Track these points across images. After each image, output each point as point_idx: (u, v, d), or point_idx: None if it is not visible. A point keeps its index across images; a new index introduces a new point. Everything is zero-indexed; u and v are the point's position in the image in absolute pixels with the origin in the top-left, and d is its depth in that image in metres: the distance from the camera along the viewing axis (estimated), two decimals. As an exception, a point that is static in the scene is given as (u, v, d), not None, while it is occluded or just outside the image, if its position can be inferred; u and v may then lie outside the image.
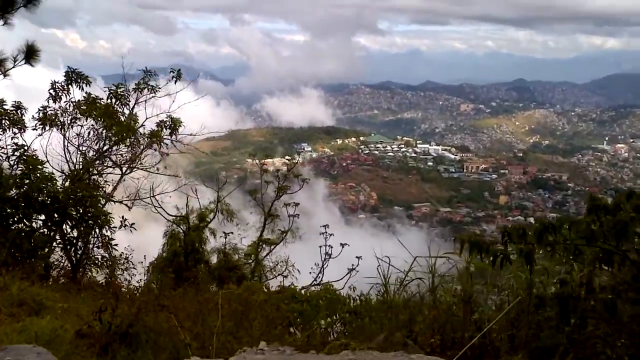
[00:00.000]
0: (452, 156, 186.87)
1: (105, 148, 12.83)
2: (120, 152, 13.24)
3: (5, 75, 13.28)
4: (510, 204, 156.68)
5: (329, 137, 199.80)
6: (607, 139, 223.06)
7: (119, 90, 13.18)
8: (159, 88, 13.77)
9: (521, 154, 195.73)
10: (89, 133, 12.81)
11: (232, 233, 18.28)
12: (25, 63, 13.26)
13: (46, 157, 12.49)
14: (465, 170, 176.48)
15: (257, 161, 18.94)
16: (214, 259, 18.55)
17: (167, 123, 14.11)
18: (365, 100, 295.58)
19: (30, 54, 13.31)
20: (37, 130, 12.65)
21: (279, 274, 19.01)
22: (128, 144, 13.28)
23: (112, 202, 12.96)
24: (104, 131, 12.75)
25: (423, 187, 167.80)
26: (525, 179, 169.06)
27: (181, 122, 14.29)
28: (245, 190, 18.75)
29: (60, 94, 13.10)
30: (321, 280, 18.33)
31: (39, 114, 12.70)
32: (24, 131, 12.54)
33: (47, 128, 12.61)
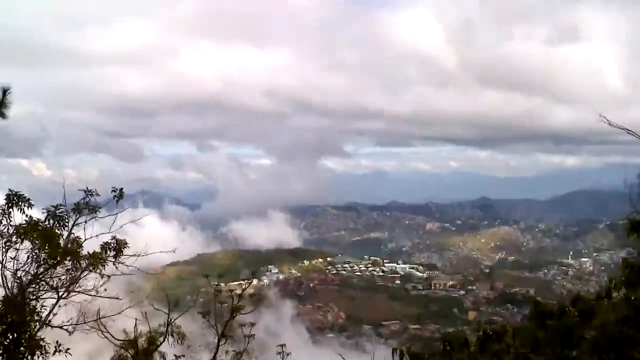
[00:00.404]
0: (420, 274, 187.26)
1: (40, 271, 12.44)
2: (57, 276, 12.84)
3: None
4: (480, 319, 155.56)
5: (296, 259, 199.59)
6: (571, 253, 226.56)
7: (57, 211, 12.96)
8: (99, 209, 13.55)
9: (488, 270, 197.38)
10: (28, 257, 12.47)
11: (183, 356, 17.75)
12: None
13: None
14: (433, 288, 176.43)
15: (212, 283, 18.41)
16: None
17: (112, 245, 13.82)
18: (331, 221, 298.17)
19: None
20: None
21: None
22: (66, 267, 12.93)
23: (50, 328, 12.46)
24: (41, 254, 12.44)
25: (392, 305, 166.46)
26: (493, 294, 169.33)
27: (126, 243, 14.03)
28: (197, 312, 18.24)
29: (0, 218, 12.88)
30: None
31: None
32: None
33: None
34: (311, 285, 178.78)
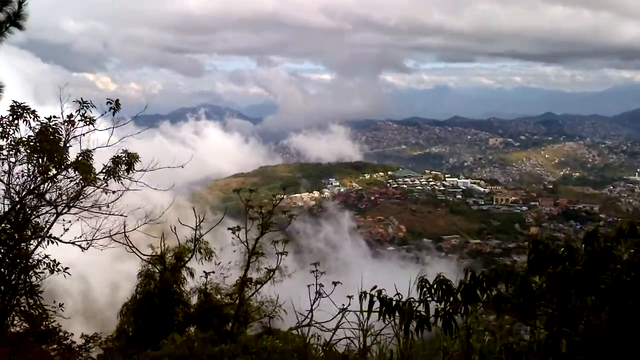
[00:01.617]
0: (481, 189, 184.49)
1: (34, 185, 11.68)
2: (55, 190, 12.09)
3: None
4: (541, 236, 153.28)
5: (357, 172, 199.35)
6: (638, 170, 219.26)
7: (50, 122, 12.09)
8: (94, 120, 12.56)
9: (551, 186, 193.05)
10: (28, 170, 11.74)
11: (213, 272, 17.11)
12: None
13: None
14: (494, 203, 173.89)
15: (243, 197, 17.47)
16: (194, 300, 17.39)
17: (123, 158, 12.93)
18: (392, 135, 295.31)
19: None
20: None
21: (265, 315, 17.79)
22: (72, 180, 12.17)
23: (55, 244, 11.79)
24: (35, 167, 11.67)
25: (452, 220, 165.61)
26: (556, 210, 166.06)
27: (137, 157, 13.11)
28: (227, 228, 17.39)
29: (7, 129, 12.12)
30: (310, 321, 17.08)
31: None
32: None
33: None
34: (372, 198, 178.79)
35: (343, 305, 15.63)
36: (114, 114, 12.68)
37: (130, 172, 13.00)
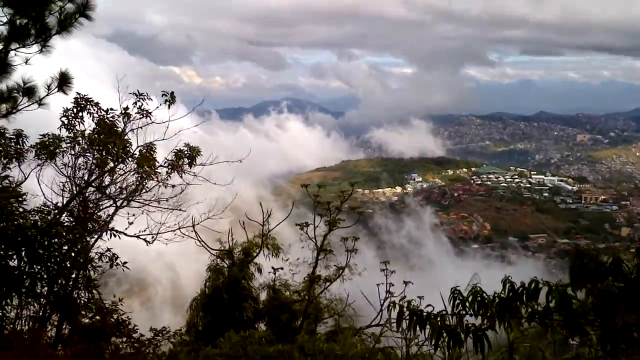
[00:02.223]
0: (569, 187, 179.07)
1: (93, 178, 11.63)
2: (120, 184, 12.03)
3: (40, 105, 12.62)
4: (633, 236, 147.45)
5: (440, 168, 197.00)
6: None
7: (107, 115, 12.02)
8: (150, 113, 12.41)
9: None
10: (86, 163, 11.71)
11: (281, 269, 16.88)
12: (58, 91, 12.57)
13: (42, 191, 11.50)
14: (583, 201, 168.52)
15: (310, 192, 17.14)
16: (263, 296, 17.22)
17: (185, 152, 12.77)
18: (476, 131, 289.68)
19: (64, 82, 12.60)
20: (35, 161, 11.69)
21: (334, 313, 17.45)
22: (120, 174, 12.07)
23: (118, 237, 11.73)
24: (95, 160, 11.61)
25: (539, 218, 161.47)
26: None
27: (199, 151, 12.93)
28: (295, 223, 17.12)
29: (72, 121, 12.16)
30: (380, 320, 16.65)
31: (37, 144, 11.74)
32: (22, 162, 11.58)
33: (45, 158, 11.60)
34: (455, 194, 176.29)
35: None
36: (169, 107, 12.50)
37: (193, 165, 12.84)
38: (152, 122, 12.45)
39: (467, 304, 4.99)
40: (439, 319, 4.95)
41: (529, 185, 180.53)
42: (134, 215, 12.44)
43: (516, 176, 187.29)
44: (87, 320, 11.01)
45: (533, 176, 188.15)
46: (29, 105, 12.47)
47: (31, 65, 12.37)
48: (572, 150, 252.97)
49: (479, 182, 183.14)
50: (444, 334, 4.85)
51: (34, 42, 12.03)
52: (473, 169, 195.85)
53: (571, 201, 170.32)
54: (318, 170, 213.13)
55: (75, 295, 10.20)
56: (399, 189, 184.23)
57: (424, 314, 5.03)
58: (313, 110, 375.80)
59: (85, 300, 10.40)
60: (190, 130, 13.11)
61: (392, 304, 5.34)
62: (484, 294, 4.94)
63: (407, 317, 5.08)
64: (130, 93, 12.12)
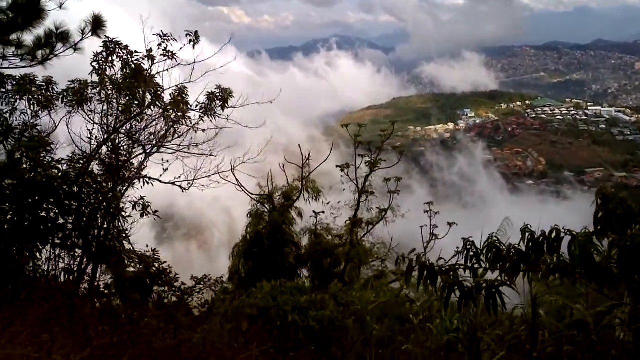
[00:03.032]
0: (627, 118, 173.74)
1: (120, 124, 11.38)
2: (150, 130, 11.78)
3: (75, 50, 12.44)
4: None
5: (493, 102, 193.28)
6: None
7: (132, 57, 11.69)
8: (175, 54, 12.02)
9: None
10: (112, 109, 11.44)
11: (323, 212, 16.62)
12: (92, 35, 12.36)
13: (72, 139, 11.34)
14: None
15: (351, 132, 16.67)
16: (305, 241, 17.03)
17: (217, 94, 12.41)
18: (530, 62, 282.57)
19: (97, 26, 12.37)
20: (65, 108, 11.49)
21: (377, 257, 17.22)
22: (149, 120, 11.79)
23: (151, 185, 11.54)
24: (121, 105, 11.34)
25: (595, 151, 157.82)
26: None
27: (231, 93, 12.54)
28: (336, 165, 16.77)
29: (103, 66, 11.91)
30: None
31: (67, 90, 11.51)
32: (52, 110, 11.40)
33: (74, 105, 11.39)
34: (509, 129, 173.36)
35: (457, 248, 14.90)
36: (193, 47, 12.14)
37: (225, 108, 12.49)
38: (179, 64, 12.11)
39: (482, 257, 4.59)
40: (451, 273, 4.56)
41: (585, 118, 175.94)
42: (167, 161, 12.23)
43: (572, 108, 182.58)
44: (129, 270, 10.96)
45: (589, 108, 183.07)
46: (64, 51, 12.31)
47: (66, 9, 12.18)
48: (630, 79, 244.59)
49: (533, 116, 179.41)
50: (455, 290, 4.46)
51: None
52: (527, 102, 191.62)
53: (629, 132, 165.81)
54: (369, 108, 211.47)
55: (110, 245, 10.08)
56: (451, 125, 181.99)
57: (435, 267, 4.64)
58: (362, 46, 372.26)
59: (121, 250, 10.29)
60: (222, 70, 12.63)
61: (400, 258, 4.96)
62: (501, 245, 4.52)
63: (417, 271, 4.70)
64: (155, 34, 11.78)
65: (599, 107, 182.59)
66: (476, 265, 4.64)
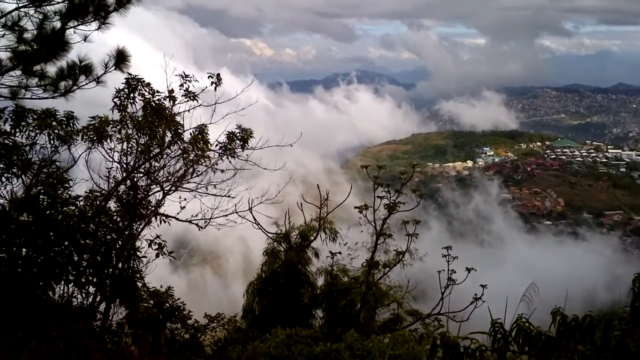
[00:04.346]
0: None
1: (140, 163, 11.35)
2: (168, 169, 11.73)
3: (98, 83, 12.49)
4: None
5: (512, 141, 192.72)
6: None
7: (154, 98, 11.69)
8: (196, 96, 12.02)
9: None
10: (132, 148, 11.42)
11: (339, 253, 16.40)
12: (115, 69, 12.41)
13: (90, 175, 11.30)
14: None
15: (370, 173, 16.54)
16: (320, 281, 16.80)
17: (238, 134, 12.36)
18: (551, 103, 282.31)
19: (121, 60, 12.43)
20: (86, 143, 11.47)
21: (393, 300, 16.93)
22: (168, 159, 11.75)
23: (168, 223, 11.46)
24: (140, 147, 11.31)
25: (615, 194, 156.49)
26: None
27: (252, 133, 12.51)
28: (354, 207, 16.58)
29: (125, 102, 11.91)
30: (441, 309, 16.10)
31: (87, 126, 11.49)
32: (72, 145, 11.39)
33: (94, 142, 11.38)
34: (528, 169, 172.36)
35: (476, 295, 14.60)
36: (215, 89, 12.13)
37: (245, 148, 12.46)
38: (200, 104, 12.10)
39: (511, 339, 4.39)
40: (477, 354, 4.36)
41: (605, 160, 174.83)
42: (185, 199, 12.17)
43: (592, 150, 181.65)
44: (142, 308, 10.85)
45: (610, 150, 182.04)
46: (87, 84, 12.37)
47: (91, 42, 12.26)
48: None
49: (553, 157, 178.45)
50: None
51: (92, 19, 11.90)
52: (547, 142, 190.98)
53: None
54: (388, 143, 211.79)
55: (124, 284, 9.98)
56: (469, 163, 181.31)
57: (461, 348, 4.44)
58: (383, 81, 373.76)
59: (135, 289, 10.18)
60: (243, 112, 12.60)
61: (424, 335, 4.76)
62: (531, 327, 4.31)
63: (441, 350, 4.50)
64: (177, 75, 11.78)
65: (619, 150, 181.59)
66: (504, 348, 4.42)
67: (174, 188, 11.84)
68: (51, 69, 12.00)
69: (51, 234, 8.97)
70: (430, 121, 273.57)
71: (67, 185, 9.86)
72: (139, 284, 10.38)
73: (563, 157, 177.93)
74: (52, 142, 10.95)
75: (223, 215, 12.60)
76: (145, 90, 11.86)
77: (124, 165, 11.46)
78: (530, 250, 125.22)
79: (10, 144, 10.58)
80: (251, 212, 14.26)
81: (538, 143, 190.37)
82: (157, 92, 11.84)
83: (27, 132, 10.89)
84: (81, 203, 9.80)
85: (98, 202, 10.15)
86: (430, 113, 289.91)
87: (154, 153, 11.52)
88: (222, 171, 12.45)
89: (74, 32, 11.82)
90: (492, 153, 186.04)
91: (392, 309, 16.89)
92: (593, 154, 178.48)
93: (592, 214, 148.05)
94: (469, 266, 14.65)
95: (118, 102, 12.02)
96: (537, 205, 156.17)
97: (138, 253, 10.09)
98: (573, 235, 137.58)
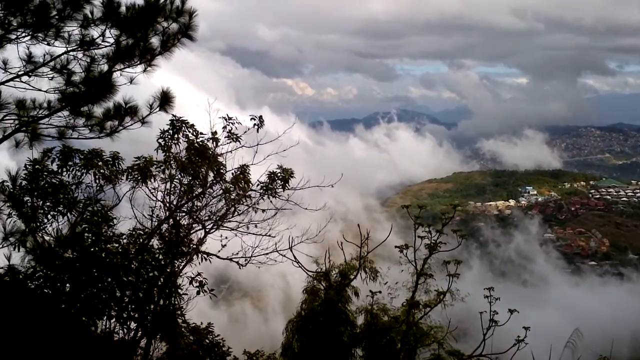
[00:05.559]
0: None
1: (182, 202, 11.57)
2: (210, 208, 11.94)
3: (143, 123, 12.80)
4: None
5: (555, 181, 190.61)
6: None
7: (197, 139, 11.95)
8: (238, 138, 12.25)
9: None
10: (175, 188, 11.69)
11: (379, 292, 16.34)
12: (160, 110, 12.71)
13: (134, 214, 11.56)
14: None
15: (411, 212, 16.52)
16: (360, 320, 16.74)
17: (279, 174, 12.56)
18: (595, 142, 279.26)
19: (165, 101, 12.73)
20: (130, 182, 11.77)
21: (433, 340, 16.75)
22: (212, 197, 11.96)
23: (209, 261, 11.64)
24: (183, 187, 11.57)
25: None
26: None
27: (292, 173, 12.69)
28: (395, 246, 16.54)
29: (169, 143, 12.19)
30: (483, 350, 15.88)
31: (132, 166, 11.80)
32: (116, 184, 11.69)
33: (138, 182, 11.66)
34: (572, 209, 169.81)
35: (518, 337, 14.39)
36: (257, 131, 12.34)
37: (286, 188, 12.62)
38: (242, 146, 12.31)
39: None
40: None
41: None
42: (226, 237, 12.34)
43: (637, 190, 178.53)
44: (182, 343, 10.95)
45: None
46: (132, 124, 12.66)
47: (137, 84, 12.58)
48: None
49: (597, 196, 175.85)
50: None
51: (138, 62, 12.19)
52: (591, 182, 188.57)
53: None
54: (429, 181, 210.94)
55: (165, 321, 10.12)
56: (512, 202, 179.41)
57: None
58: (424, 120, 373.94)
59: (175, 326, 10.31)
60: (284, 154, 12.77)
61: None
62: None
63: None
64: (220, 117, 12.03)
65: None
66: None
67: (215, 227, 12.02)
68: (98, 110, 12.29)
69: (95, 270, 9.19)
70: (472, 160, 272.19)
71: (111, 223, 10.11)
72: (180, 320, 10.50)
73: (608, 197, 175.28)
74: (97, 181, 11.26)
75: (264, 254, 12.71)
76: (189, 132, 12.13)
77: (167, 204, 11.68)
78: (574, 291, 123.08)
79: (57, 182, 10.89)
80: (291, 251, 14.35)
81: (582, 183, 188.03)
82: (201, 133, 12.09)
83: (73, 172, 11.20)
84: (125, 241, 10.03)
85: (141, 240, 10.37)
86: (472, 152, 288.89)
87: (197, 193, 11.75)
88: (263, 210, 12.61)
89: (121, 75, 12.12)
90: (535, 192, 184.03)
91: (432, 349, 16.70)
92: (639, 194, 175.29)
93: (638, 255, 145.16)
94: (511, 306, 14.45)
95: (162, 143, 12.27)
96: (581, 246, 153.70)
97: (179, 290, 10.23)
98: (618, 276, 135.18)
